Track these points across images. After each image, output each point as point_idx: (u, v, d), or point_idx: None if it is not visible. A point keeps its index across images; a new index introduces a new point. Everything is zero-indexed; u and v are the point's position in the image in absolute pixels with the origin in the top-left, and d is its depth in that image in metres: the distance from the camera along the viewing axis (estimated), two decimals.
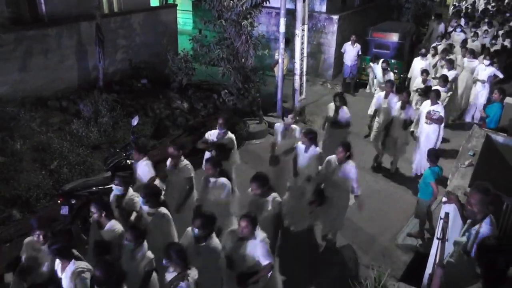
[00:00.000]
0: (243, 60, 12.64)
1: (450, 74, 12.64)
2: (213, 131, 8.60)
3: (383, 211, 9.31)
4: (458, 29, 18.51)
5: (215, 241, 5.52)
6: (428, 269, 6.04)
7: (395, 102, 10.55)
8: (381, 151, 10.97)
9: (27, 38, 11.58)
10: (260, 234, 5.55)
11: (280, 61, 12.73)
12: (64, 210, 7.40)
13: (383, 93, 11.00)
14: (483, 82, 13.23)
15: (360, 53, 15.75)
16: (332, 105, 10.19)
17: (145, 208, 6.10)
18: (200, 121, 12.22)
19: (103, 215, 5.88)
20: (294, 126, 8.81)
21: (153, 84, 13.92)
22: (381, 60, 13.91)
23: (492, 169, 7.52)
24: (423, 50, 14.53)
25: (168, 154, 7.47)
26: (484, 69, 13.30)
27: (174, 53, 14.32)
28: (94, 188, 7.78)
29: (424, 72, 12.70)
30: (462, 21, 21.31)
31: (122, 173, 6.94)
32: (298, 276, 7.43)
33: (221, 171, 7.14)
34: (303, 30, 12.77)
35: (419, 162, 10.46)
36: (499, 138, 7.95)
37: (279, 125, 8.93)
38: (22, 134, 10.10)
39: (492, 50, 16.05)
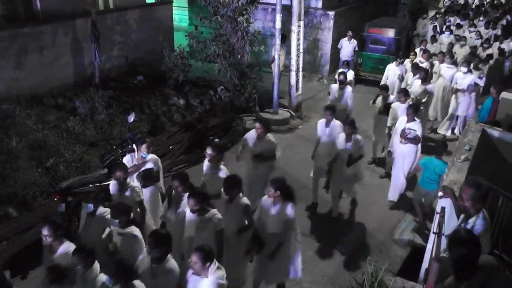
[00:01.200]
0: (239, 56, 12.65)
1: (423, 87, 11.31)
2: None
3: (380, 206, 9.33)
4: (447, 32, 16.98)
5: (172, 262, 5.16)
6: (425, 264, 6.07)
7: (339, 133, 8.62)
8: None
9: (22, 35, 11.54)
10: (215, 272, 4.91)
11: (276, 57, 12.72)
12: (61, 208, 7.38)
13: (323, 120, 9.02)
14: (462, 91, 11.76)
15: (356, 48, 15.77)
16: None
17: (115, 227, 5.79)
18: (196, 117, 12.21)
19: (55, 238, 5.43)
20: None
21: (149, 80, 13.90)
22: (339, 71, 11.98)
23: (488, 164, 7.54)
24: (399, 59, 12.97)
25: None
26: (463, 77, 11.91)
27: (170, 50, 14.30)
28: (90, 185, 7.76)
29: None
30: (454, 19, 20.04)
31: (93, 188, 6.74)
32: None
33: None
34: (299, 26, 12.77)
35: (395, 187, 9.25)
36: (495, 132, 7.96)
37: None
38: (18, 132, 10.08)
39: (484, 54, 15.18)
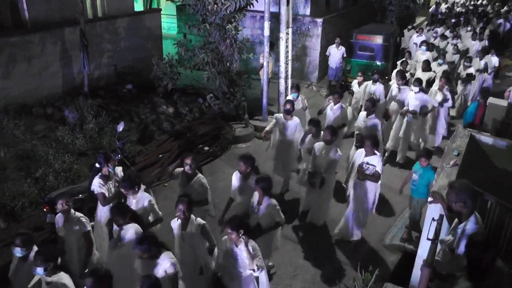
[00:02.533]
0: (228, 64, 12.65)
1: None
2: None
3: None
4: (423, 47, 15.49)
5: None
6: (416, 269, 6.08)
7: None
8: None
9: (9, 44, 11.47)
10: None
11: (265, 64, 12.75)
12: (50, 218, 7.32)
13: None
14: (413, 113, 10.74)
15: (345, 55, 15.85)
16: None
17: (42, 275, 5.13)
18: (186, 125, 12.20)
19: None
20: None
21: (138, 89, 13.87)
22: (286, 98, 11.39)
23: (477, 169, 7.59)
24: (375, 76, 11.87)
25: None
26: (415, 98, 10.74)
27: (159, 58, 14.29)
28: (80, 195, 7.72)
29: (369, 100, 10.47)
30: (440, 30, 19.49)
31: (24, 231, 6.21)
32: (284, 278, 7.45)
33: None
34: (287, 33, 12.82)
35: (351, 226, 8.30)
36: (483, 137, 8.04)
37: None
38: (6, 142, 9.99)
39: (464, 73, 14.11)
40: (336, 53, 15.71)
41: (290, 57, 13.27)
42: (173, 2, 23.05)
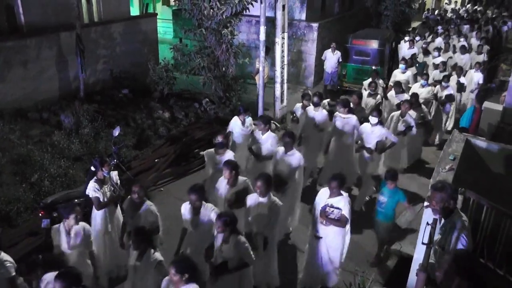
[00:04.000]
0: (224, 68, 12.67)
1: None
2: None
3: (367, 217, 9.35)
4: (402, 65, 13.77)
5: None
6: (412, 274, 6.09)
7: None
8: None
9: (5, 49, 11.45)
10: None
11: (260, 69, 12.77)
12: (46, 223, 7.30)
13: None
14: (369, 152, 9.15)
15: (340, 60, 15.88)
16: None
17: None
18: (182, 130, 12.20)
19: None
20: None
21: (134, 94, 13.87)
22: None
23: (472, 173, 7.62)
24: (316, 99, 9.91)
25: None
26: (371, 131, 9.13)
27: (155, 63, 14.30)
28: (76, 200, 7.70)
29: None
30: (438, 41, 18.27)
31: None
32: (281, 281, 7.43)
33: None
34: (283, 38, 12.85)
35: (319, 274, 7.11)
36: (478, 142, 8.07)
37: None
38: (1, 147, 9.96)
39: (443, 94, 12.39)
40: (331, 57, 15.74)
41: (285, 62, 13.29)
42: (169, 7, 23.10)
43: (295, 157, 7.82)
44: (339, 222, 6.53)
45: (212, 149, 8.14)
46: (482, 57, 16.52)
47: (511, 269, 6.37)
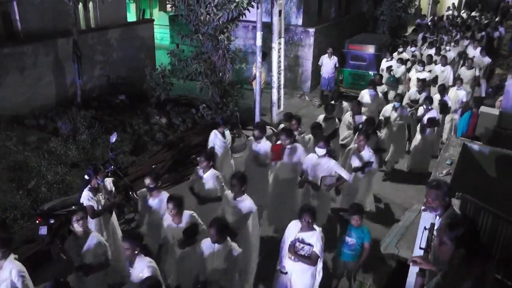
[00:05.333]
0: (220, 74, 12.66)
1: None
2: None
3: (364, 221, 9.34)
4: (370, 91, 12.19)
5: None
6: (410, 279, 6.08)
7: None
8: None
9: (2, 55, 11.48)
10: None
11: (257, 74, 12.79)
12: (43, 231, 7.27)
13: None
14: (314, 188, 7.87)
15: (337, 65, 15.91)
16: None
17: None
18: (179, 136, 12.19)
19: None
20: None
21: (131, 99, 13.87)
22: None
23: (469, 177, 7.63)
24: (257, 133, 8.65)
25: None
26: (317, 164, 7.84)
27: (152, 68, 14.31)
28: (73, 207, 7.66)
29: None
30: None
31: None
32: None
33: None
34: (279, 43, 12.88)
35: None
36: (475, 146, 8.09)
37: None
38: None
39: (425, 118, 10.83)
40: (328, 62, 15.77)
41: (282, 67, 13.32)
42: (166, 13, 23.13)
43: (246, 204, 6.65)
44: (310, 259, 5.92)
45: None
46: (472, 72, 14.50)
47: (509, 273, 6.37)
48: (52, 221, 7.46)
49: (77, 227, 5.77)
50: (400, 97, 11.49)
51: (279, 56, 13.03)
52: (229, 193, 6.78)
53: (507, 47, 24.62)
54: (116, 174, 8.67)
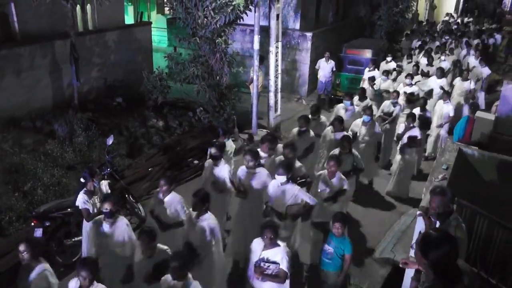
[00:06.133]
0: (218, 77, 12.68)
1: None
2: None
3: (360, 225, 9.37)
4: (347, 101, 11.20)
5: None
6: (405, 283, 6.10)
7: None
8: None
9: None
10: None
11: (254, 78, 12.80)
12: (38, 233, 7.26)
13: None
14: (279, 217, 7.01)
15: (334, 69, 15.94)
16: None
17: None
18: (175, 139, 12.19)
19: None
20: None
21: (128, 102, 13.86)
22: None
23: (465, 182, 7.65)
24: (216, 152, 7.89)
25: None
26: (280, 191, 6.99)
27: (149, 71, 14.30)
28: (69, 209, 7.67)
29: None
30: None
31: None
32: None
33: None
34: (277, 47, 12.89)
35: None
36: (471, 151, 8.11)
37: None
38: None
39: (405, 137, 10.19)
40: (325, 66, 15.80)
41: (279, 71, 13.33)
42: (164, 16, 23.17)
43: (209, 222, 6.34)
44: (278, 277, 5.67)
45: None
46: (468, 84, 13.95)
47: (504, 278, 6.39)
48: (47, 224, 7.45)
49: (21, 257, 5.45)
50: (370, 111, 10.34)
51: (276, 60, 13.03)
52: (192, 212, 6.51)
53: (503, 53, 24.73)
54: (113, 177, 8.66)
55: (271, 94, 13.21)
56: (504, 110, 10.79)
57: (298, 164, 7.93)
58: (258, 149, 8.00)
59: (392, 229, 9.23)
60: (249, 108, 13.61)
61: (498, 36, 24.17)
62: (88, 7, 14.29)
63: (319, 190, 7.52)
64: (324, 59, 15.85)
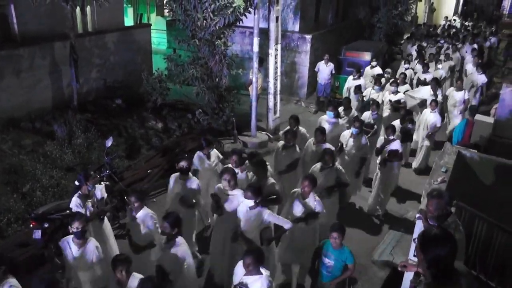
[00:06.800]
0: (217, 79, 12.70)
1: None
2: None
3: (359, 227, 9.36)
4: (330, 112, 10.27)
5: None
6: (404, 286, 6.09)
7: None
8: None
9: None
10: None
11: (254, 80, 12.81)
12: (37, 234, 7.24)
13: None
14: (248, 244, 6.36)
15: (333, 71, 15.94)
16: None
17: None
18: (174, 141, 12.18)
19: None
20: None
21: (127, 103, 13.86)
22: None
23: (464, 185, 7.66)
24: (183, 164, 7.62)
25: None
26: (249, 217, 6.55)
27: (149, 73, 14.32)
28: (68, 211, 7.64)
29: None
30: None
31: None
32: None
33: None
34: (276, 49, 12.90)
35: None
36: (470, 154, 8.12)
37: None
38: None
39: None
40: (325, 69, 15.79)
41: (279, 73, 13.33)
42: (163, 17, 23.19)
43: (181, 250, 5.95)
44: None
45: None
46: (462, 94, 13.12)
47: (503, 281, 6.40)
48: (46, 225, 7.43)
49: None
50: (360, 123, 9.67)
51: (276, 62, 13.04)
52: (162, 237, 6.11)
53: (502, 55, 24.72)
54: (112, 179, 8.66)
55: (271, 96, 13.21)
56: (503, 113, 10.81)
57: (270, 181, 7.46)
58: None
59: (391, 232, 9.24)
60: (248, 110, 13.60)
61: (493, 39, 24.05)
62: (88, 8, 14.31)
63: (292, 210, 7.03)
64: (323, 61, 15.86)
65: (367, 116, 11.11)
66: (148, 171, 10.54)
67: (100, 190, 7.21)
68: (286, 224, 6.50)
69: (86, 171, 7.14)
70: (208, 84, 12.63)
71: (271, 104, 13.29)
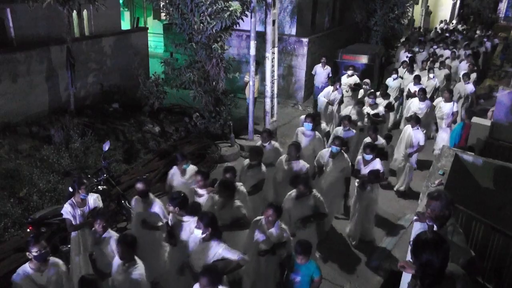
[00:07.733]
0: (214, 83, 12.70)
1: None
2: None
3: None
4: (307, 125, 9.42)
5: None
6: None
7: None
8: None
9: None
10: None
11: (251, 83, 12.80)
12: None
13: None
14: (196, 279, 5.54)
15: (330, 75, 15.93)
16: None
17: None
18: (171, 144, 12.18)
19: None
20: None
21: (124, 108, 13.86)
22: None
23: (461, 188, 7.66)
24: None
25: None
26: (202, 252, 5.93)
27: (146, 77, 14.31)
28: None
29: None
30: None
31: None
32: None
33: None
34: (273, 53, 12.91)
35: None
36: (467, 157, 8.13)
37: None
38: None
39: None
40: (322, 72, 15.79)
41: (276, 76, 13.34)
42: (160, 21, 23.19)
43: (140, 274, 5.56)
44: None
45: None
46: (450, 106, 11.92)
47: (500, 284, 6.40)
48: (43, 230, 7.42)
49: None
50: (340, 141, 8.68)
51: (273, 66, 13.05)
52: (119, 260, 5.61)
53: (498, 58, 24.77)
54: (109, 183, 8.65)
55: (267, 100, 13.21)
56: (500, 116, 10.84)
57: (237, 203, 6.78)
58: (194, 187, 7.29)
59: (388, 236, 9.24)
60: (245, 113, 13.61)
61: (488, 44, 23.92)
62: (85, 12, 14.32)
63: (254, 239, 6.32)
64: (320, 64, 15.86)
65: (338, 131, 10.22)
66: (146, 175, 10.51)
67: (94, 200, 6.93)
68: (238, 256, 5.62)
69: (80, 177, 6.92)
70: (205, 88, 12.63)
71: (268, 107, 13.30)
